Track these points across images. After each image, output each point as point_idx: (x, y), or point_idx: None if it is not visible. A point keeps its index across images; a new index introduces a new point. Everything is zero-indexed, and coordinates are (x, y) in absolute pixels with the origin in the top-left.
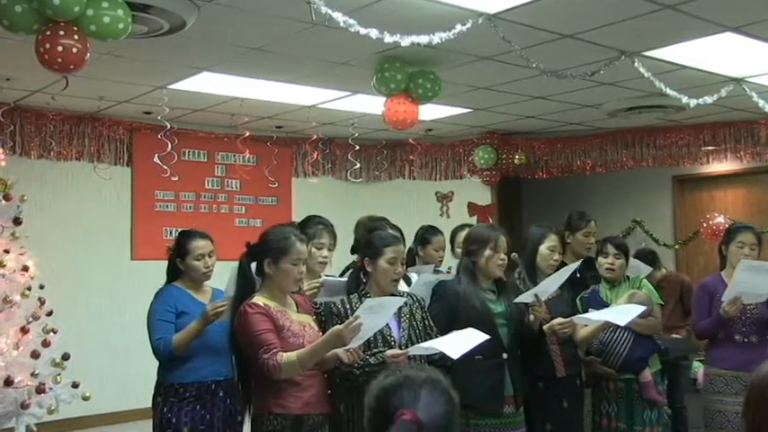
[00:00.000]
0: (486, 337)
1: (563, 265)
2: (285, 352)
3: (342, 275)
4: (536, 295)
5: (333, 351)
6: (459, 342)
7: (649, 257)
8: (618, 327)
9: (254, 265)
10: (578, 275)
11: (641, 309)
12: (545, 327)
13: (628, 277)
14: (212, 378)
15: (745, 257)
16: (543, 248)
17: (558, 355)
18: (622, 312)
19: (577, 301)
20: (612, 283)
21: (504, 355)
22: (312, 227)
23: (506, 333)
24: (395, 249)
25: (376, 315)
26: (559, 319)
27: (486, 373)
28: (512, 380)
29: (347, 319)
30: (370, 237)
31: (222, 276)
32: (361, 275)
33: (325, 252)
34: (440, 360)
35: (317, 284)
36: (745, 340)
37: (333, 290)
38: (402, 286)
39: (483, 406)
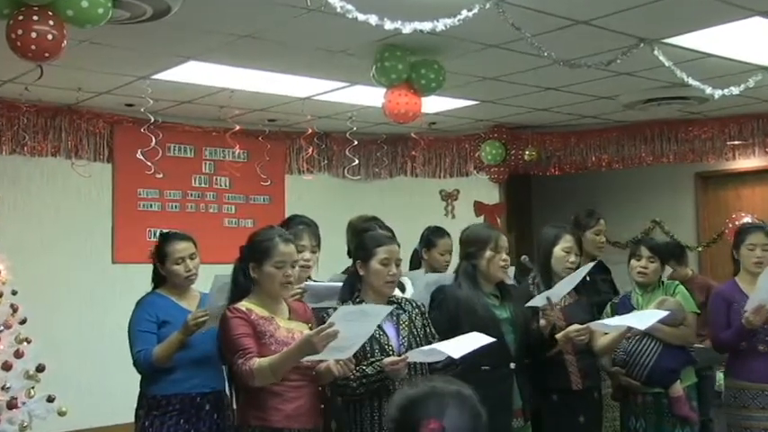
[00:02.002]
0: (491, 339)
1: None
2: (260, 358)
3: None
4: (548, 298)
5: (325, 364)
6: (462, 344)
7: (677, 252)
8: (645, 336)
9: None
10: (587, 279)
11: (664, 313)
12: (560, 335)
13: (662, 282)
14: (198, 390)
15: (757, 260)
16: (558, 250)
17: (573, 365)
18: (643, 317)
19: (608, 306)
20: (645, 288)
21: (512, 365)
22: (293, 227)
23: (513, 340)
24: (387, 249)
25: (358, 323)
26: (575, 326)
27: (493, 385)
28: (520, 391)
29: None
30: (362, 238)
31: (210, 280)
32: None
33: (307, 254)
34: (443, 369)
35: (299, 290)
36: None
37: (319, 295)
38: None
39: (490, 420)
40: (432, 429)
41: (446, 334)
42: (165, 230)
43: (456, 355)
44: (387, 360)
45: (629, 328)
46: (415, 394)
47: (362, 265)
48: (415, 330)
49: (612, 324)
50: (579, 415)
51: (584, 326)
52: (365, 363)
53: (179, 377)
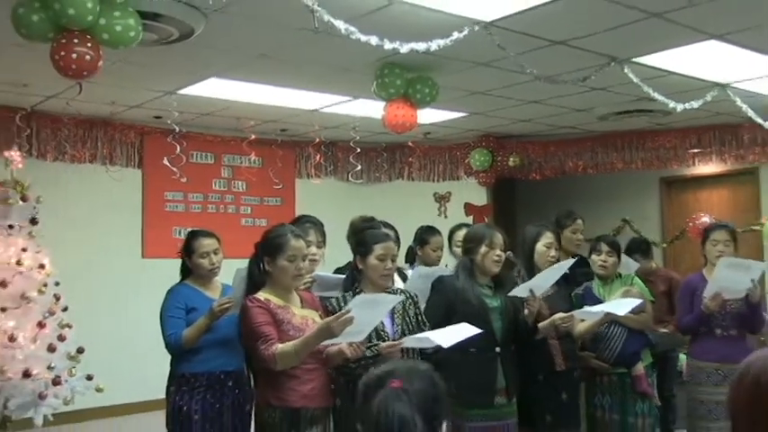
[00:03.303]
0: (478, 330)
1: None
2: (282, 344)
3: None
4: (531, 290)
5: (338, 348)
6: (452, 334)
7: (643, 247)
8: (611, 323)
9: None
10: (568, 272)
11: (638, 301)
12: (545, 322)
13: (620, 274)
14: (221, 369)
15: (719, 254)
16: (540, 246)
17: (557, 349)
18: (621, 305)
19: (572, 296)
20: (605, 279)
21: (497, 349)
22: (301, 226)
23: (500, 327)
24: (384, 246)
25: (370, 311)
26: (560, 314)
27: (479, 366)
28: (504, 372)
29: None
30: (361, 235)
31: (230, 273)
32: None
33: (313, 249)
34: (433, 354)
35: (309, 280)
36: (725, 334)
37: (326, 285)
38: (398, 282)
39: (475, 396)
40: (394, 386)
41: (442, 318)
42: (192, 228)
43: (445, 344)
44: (383, 344)
45: (607, 315)
46: (378, 371)
47: (361, 259)
48: (408, 318)
49: (594, 311)
50: (562, 392)
51: (569, 314)
52: (364, 347)
53: (205, 357)
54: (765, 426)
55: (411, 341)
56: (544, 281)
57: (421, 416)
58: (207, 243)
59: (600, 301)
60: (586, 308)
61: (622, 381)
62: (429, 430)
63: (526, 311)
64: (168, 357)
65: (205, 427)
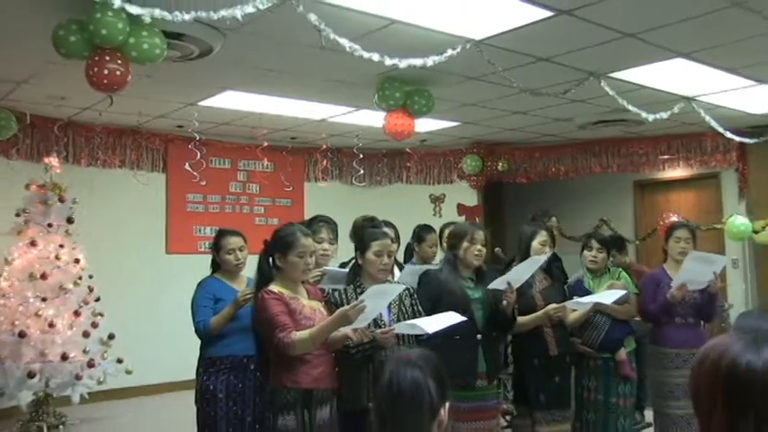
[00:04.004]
0: (463, 318)
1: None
2: (299, 331)
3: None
4: (508, 282)
5: (342, 332)
6: (438, 321)
7: (618, 243)
8: (597, 313)
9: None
10: (545, 266)
11: (623, 292)
12: (541, 311)
13: (609, 269)
14: (244, 353)
15: (681, 250)
16: (535, 243)
17: (551, 336)
18: (607, 295)
19: (565, 289)
20: (595, 273)
21: (479, 336)
22: (315, 225)
23: (481, 316)
24: (380, 243)
25: (378, 300)
26: (554, 305)
27: (461, 351)
28: (485, 357)
29: (343, 306)
30: (361, 233)
31: (254, 267)
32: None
33: (325, 245)
34: (426, 341)
35: (320, 273)
36: (684, 322)
37: (334, 278)
38: (396, 273)
39: (458, 379)
40: (404, 356)
41: (428, 308)
42: (222, 228)
43: (430, 330)
44: (378, 331)
45: (594, 305)
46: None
47: (361, 255)
48: (403, 308)
49: (584, 302)
50: (555, 376)
51: (561, 304)
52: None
53: (229, 342)
54: (723, 405)
55: (403, 327)
56: (520, 274)
57: (434, 381)
58: (233, 241)
59: (589, 293)
60: (576, 299)
61: (607, 365)
62: (440, 396)
63: (504, 302)
64: (189, 342)
65: (229, 405)
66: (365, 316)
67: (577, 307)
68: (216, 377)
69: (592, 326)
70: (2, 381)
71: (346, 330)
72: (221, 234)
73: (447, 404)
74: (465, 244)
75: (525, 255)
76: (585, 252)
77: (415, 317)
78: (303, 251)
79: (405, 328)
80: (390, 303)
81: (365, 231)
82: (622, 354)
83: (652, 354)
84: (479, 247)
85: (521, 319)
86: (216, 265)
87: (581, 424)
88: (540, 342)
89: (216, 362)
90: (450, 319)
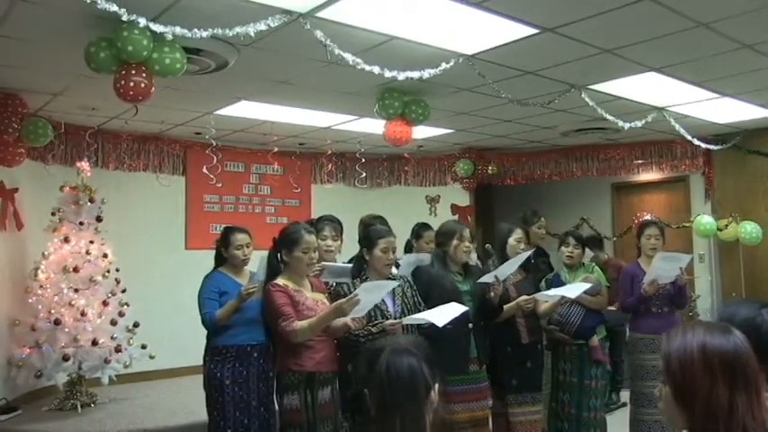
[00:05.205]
0: (466, 308)
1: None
2: (300, 321)
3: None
4: (496, 276)
5: (343, 321)
6: (444, 313)
7: (597, 240)
8: (573, 303)
9: None
10: (532, 261)
11: (586, 285)
12: (512, 303)
13: (583, 263)
14: (248, 342)
15: (652, 246)
16: (511, 240)
17: (523, 325)
18: (572, 289)
19: (543, 282)
20: (571, 268)
21: (470, 325)
22: (320, 223)
23: (471, 308)
24: (386, 240)
25: (372, 294)
26: (524, 297)
27: (454, 340)
28: (476, 344)
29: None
30: (367, 231)
31: (256, 262)
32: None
33: (329, 242)
34: (428, 329)
35: (318, 268)
36: (659, 311)
37: (335, 273)
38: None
39: (452, 365)
40: (397, 346)
41: (423, 300)
42: (229, 225)
43: (440, 323)
44: (387, 322)
45: (563, 297)
46: (375, 346)
47: (368, 252)
48: (406, 300)
49: (552, 294)
50: (527, 362)
51: (531, 296)
52: (370, 324)
53: (234, 332)
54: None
55: (410, 320)
56: (507, 269)
57: (426, 365)
58: (241, 237)
59: (565, 285)
60: (544, 291)
61: (581, 350)
62: (431, 378)
63: (492, 294)
64: (205, 332)
65: (234, 390)
66: (360, 308)
67: (547, 298)
68: (222, 365)
69: (567, 315)
70: (40, 363)
71: (346, 320)
72: (231, 231)
73: (437, 386)
74: (455, 242)
75: (502, 250)
76: (563, 248)
77: (416, 306)
78: (307, 247)
79: (413, 320)
80: (395, 296)
81: (371, 229)
82: (595, 340)
83: (631, 340)
84: (467, 243)
85: None
86: (220, 260)
87: (557, 404)
88: (513, 331)
89: (222, 350)
90: (454, 310)
